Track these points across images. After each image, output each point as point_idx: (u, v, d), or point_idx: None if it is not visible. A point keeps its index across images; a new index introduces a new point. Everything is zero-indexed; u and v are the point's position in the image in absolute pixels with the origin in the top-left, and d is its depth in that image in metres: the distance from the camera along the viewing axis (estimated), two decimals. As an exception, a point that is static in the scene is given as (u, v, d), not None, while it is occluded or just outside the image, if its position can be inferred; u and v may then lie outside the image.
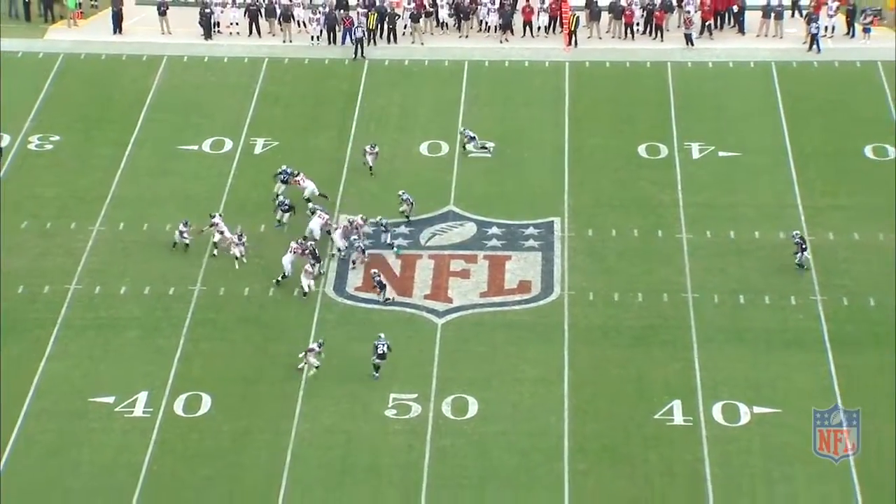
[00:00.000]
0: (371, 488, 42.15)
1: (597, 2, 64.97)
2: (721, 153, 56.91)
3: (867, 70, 62.16)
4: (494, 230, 52.78)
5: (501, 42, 64.80)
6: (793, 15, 65.60)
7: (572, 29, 64.14)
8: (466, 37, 65.27)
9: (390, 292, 48.97)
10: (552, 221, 53.15)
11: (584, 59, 63.55)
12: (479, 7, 65.36)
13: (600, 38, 65.02)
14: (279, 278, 49.28)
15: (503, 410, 44.79)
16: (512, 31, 65.08)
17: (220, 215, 51.27)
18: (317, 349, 45.49)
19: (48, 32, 65.76)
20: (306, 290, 48.64)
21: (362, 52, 63.49)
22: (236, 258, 49.99)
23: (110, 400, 45.14)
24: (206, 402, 45.22)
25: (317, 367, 45.45)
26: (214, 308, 48.92)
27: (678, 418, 44.37)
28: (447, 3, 65.47)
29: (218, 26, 65.38)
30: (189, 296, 49.41)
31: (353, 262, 50.44)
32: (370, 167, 55.05)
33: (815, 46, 63.37)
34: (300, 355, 45.62)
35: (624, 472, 42.57)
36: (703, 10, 64.64)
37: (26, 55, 63.82)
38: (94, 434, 43.96)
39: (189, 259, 50.75)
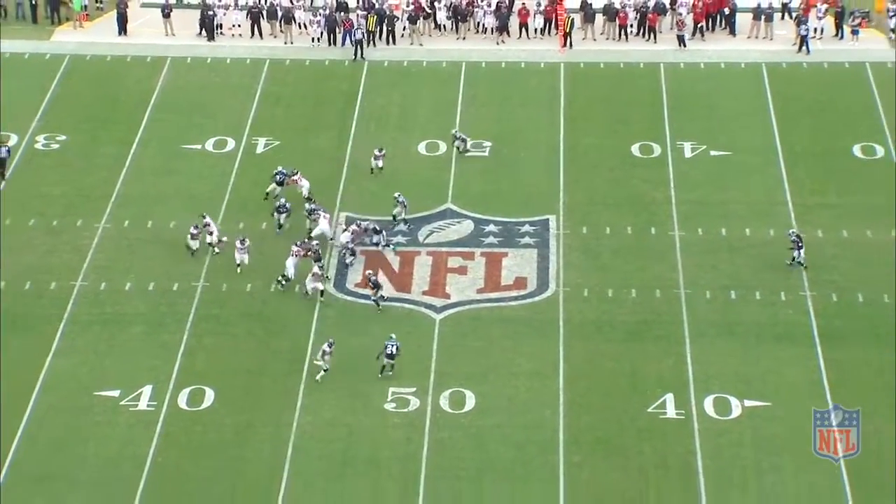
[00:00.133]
0: (371, 480, 42.18)
1: (591, 4, 64.98)
2: (713, 152, 56.93)
3: (855, 71, 62.18)
4: (491, 228, 52.79)
5: (498, 44, 64.79)
6: (783, 17, 65.63)
7: (567, 31, 64.13)
8: (464, 38, 65.27)
9: (384, 293, 48.81)
10: (548, 219, 53.18)
11: (578, 60, 63.55)
12: (475, 9, 65.38)
13: (595, 39, 65.01)
14: (283, 282, 49.10)
15: (499, 404, 44.81)
16: (508, 33, 65.08)
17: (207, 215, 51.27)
18: (328, 349, 45.32)
19: (54, 34, 65.73)
20: (308, 292, 48.39)
21: (362, 54, 63.48)
22: (238, 264, 49.71)
23: (115, 394, 45.16)
24: (210, 395, 45.24)
25: (325, 370, 45.27)
26: (217, 304, 48.93)
27: (671, 411, 44.40)
28: (445, 6, 65.49)
29: (221, 28, 65.38)
30: (192, 292, 49.41)
31: (347, 265, 50.26)
32: (380, 168, 54.86)
33: (804, 48, 63.39)
34: (316, 361, 45.44)
35: (618, 464, 42.61)
36: (696, 12, 64.68)
37: (33, 56, 63.81)
38: (100, 427, 43.98)
39: (192, 256, 50.72)
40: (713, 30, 65.33)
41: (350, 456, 43.00)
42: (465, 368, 45.88)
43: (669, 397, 44.87)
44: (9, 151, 55.40)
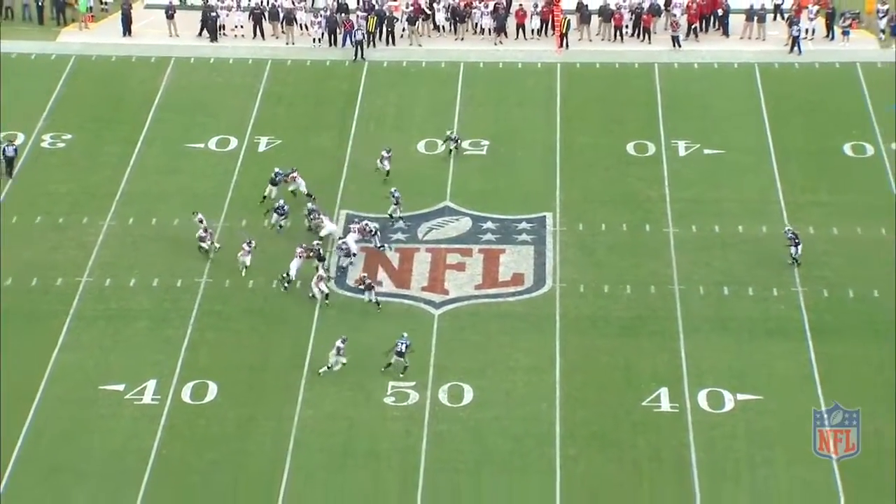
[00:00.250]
0: (371, 472, 42.19)
1: (587, 5, 64.99)
2: (706, 151, 56.93)
3: (846, 71, 62.19)
4: (489, 225, 52.79)
5: (496, 44, 64.80)
6: (775, 18, 65.65)
7: (563, 32, 64.14)
8: (462, 39, 65.28)
9: (376, 295, 48.46)
10: (544, 216, 53.18)
11: (574, 60, 63.55)
12: (473, 11, 65.38)
13: (590, 40, 65.02)
14: (286, 284, 49.02)
15: (497, 397, 44.82)
16: (506, 34, 65.09)
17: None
18: (341, 346, 45.14)
19: (60, 35, 65.73)
20: (316, 294, 48.17)
21: (362, 54, 63.48)
22: (245, 266, 49.44)
23: (120, 388, 45.16)
24: (213, 389, 45.24)
25: (343, 364, 45.11)
26: (220, 300, 48.92)
27: (665, 405, 44.41)
28: (443, 7, 65.50)
29: (223, 29, 65.38)
30: (196, 288, 49.41)
31: (344, 267, 50.05)
32: (387, 171, 54.62)
33: (796, 48, 63.40)
34: (331, 363, 45.35)
35: (613, 457, 42.62)
36: (690, 13, 64.68)
37: (39, 57, 63.80)
38: (105, 420, 43.98)
39: (196, 253, 50.72)
40: (707, 31, 65.34)
41: (350, 449, 43.01)
42: (463, 363, 45.88)
43: (664, 391, 44.88)
44: (16, 150, 55.40)
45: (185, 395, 45.01)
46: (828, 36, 64.70)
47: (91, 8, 66.20)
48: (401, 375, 45.07)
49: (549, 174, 55.60)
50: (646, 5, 64.94)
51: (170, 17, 65.17)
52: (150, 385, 45.24)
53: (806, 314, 47.95)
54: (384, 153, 54.76)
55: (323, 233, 51.17)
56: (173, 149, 57.29)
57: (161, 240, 51.53)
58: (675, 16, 64.47)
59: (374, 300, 48.19)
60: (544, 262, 50.71)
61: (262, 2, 65.68)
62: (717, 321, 47.83)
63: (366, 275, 48.91)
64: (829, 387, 44.81)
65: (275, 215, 51.60)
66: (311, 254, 49.39)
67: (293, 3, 65.87)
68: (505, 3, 65.74)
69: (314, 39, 64.78)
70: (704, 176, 55.43)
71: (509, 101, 60.69)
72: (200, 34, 65.01)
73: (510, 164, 56.29)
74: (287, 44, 64.75)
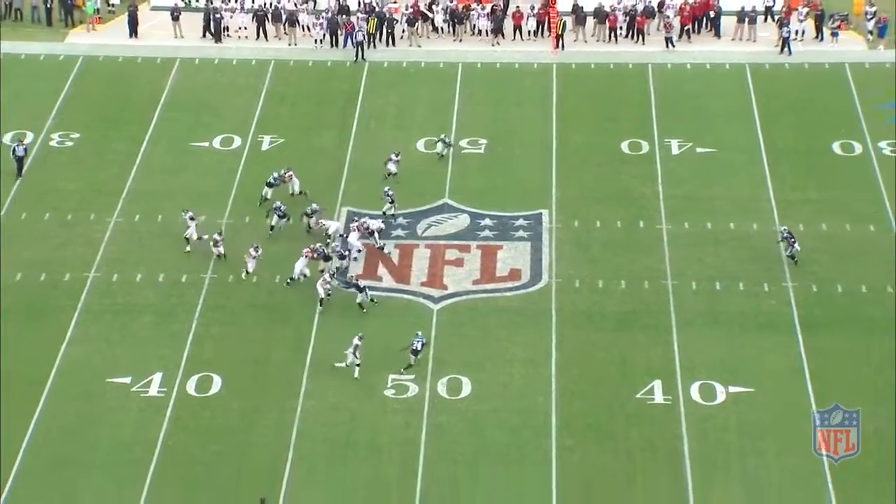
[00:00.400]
0: (371, 463, 42.19)
1: (582, 7, 64.95)
2: (699, 149, 56.91)
3: (835, 71, 62.18)
4: (487, 221, 52.78)
5: (493, 45, 64.77)
6: (765, 20, 65.66)
7: (559, 33, 64.12)
8: (460, 40, 65.25)
9: (368, 296, 48.11)
10: (541, 213, 53.17)
11: (570, 61, 63.52)
12: (471, 12, 65.36)
13: (586, 41, 64.99)
14: (289, 279, 48.91)
15: (495, 390, 44.82)
16: (503, 35, 65.07)
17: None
18: (358, 343, 44.95)
19: (68, 36, 65.70)
20: (321, 294, 47.86)
21: (363, 55, 63.45)
22: (248, 272, 49.12)
23: (127, 380, 45.15)
24: (217, 382, 45.24)
25: (357, 365, 44.94)
26: (224, 294, 48.91)
27: (658, 397, 44.42)
28: (442, 9, 65.48)
29: (227, 30, 65.36)
30: (201, 283, 49.41)
31: (342, 269, 49.80)
32: (394, 174, 54.27)
33: (786, 49, 63.39)
34: (346, 360, 45.24)
35: (608, 448, 42.63)
36: (683, 15, 64.67)
37: (48, 57, 63.78)
38: (113, 412, 43.98)
39: (201, 249, 50.71)
40: (699, 32, 65.32)
41: (352, 440, 43.01)
42: (461, 356, 45.87)
43: (657, 384, 44.88)
44: (25, 150, 55.30)
45: (191, 387, 45.02)
46: (817, 37, 64.70)
47: (98, 10, 66.18)
48: (402, 371, 45.04)
49: (546, 172, 55.59)
50: (640, 7, 64.95)
51: (175, 18, 65.15)
52: (156, 378, 45.24)
53: (796, 309, 47.96)
54: (393, 156, 54.53)
55: (331, 231, 51.05)
56: (178, 147, 57.27)
57: (167, 236, 51.50)
58: (668, 17, 64.46)
59: (366, 301, 47.96)
60: (541, 258, 50.69)
61: (265, 4, 65.65)
62: (710, 316, 47.83)
63: (353, 275, 48.33)
64: (819, 379, 44.85)
65: (275, 217, 51.41)
66: (317, 255, 49.22)
67: (295, 5, 65.86)
68: (502, 5, 65.74)
69: (316, 41, 64.75)
70: (697, 174, 55.42)
71: (507, 100, 60.66)
72: (204, 35, 64.96)
73: (507, 163, 56.28)
74: (289, 45, 64.72)
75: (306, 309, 47.93)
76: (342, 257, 49.66)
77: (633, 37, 64.93)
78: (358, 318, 47.47)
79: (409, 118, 59.44)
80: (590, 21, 65.04)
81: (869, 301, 48.27)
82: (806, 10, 64.48)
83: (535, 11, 65.26)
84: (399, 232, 51.99)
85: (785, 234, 49.83)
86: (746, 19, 64.65)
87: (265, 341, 46.93)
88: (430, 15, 65.26)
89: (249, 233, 51.17)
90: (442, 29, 65.73)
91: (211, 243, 50.02)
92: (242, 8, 65.71)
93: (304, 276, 48.73)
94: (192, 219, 50.62)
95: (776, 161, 55.89)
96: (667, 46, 63.94)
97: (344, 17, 64.74)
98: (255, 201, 53.09)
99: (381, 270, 50.10)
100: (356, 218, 51.73)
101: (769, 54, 63.57)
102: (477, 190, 54.54)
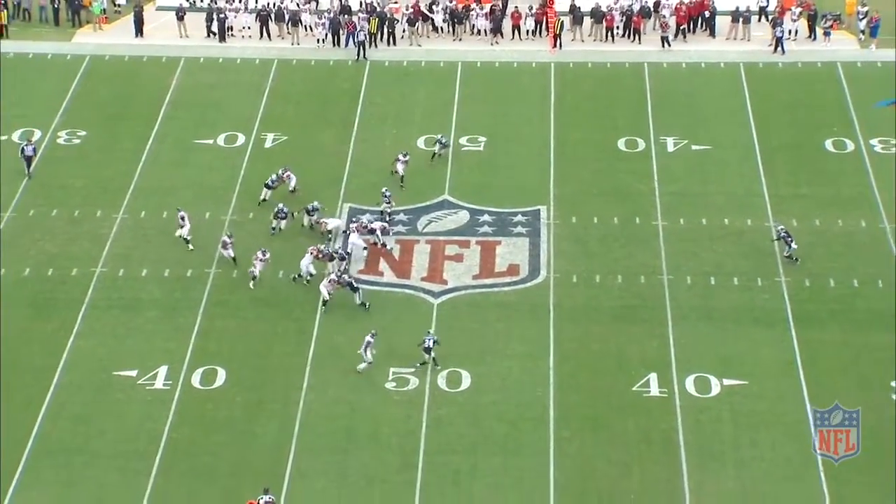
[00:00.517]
0: (373, 454, 42.23)
1: (580, 7, 64.95)
2: (694, 147, 56.91)
3: (827, 70, 62.16)
4: (486, 217, 52.79)
5: (492, 44, 64.76)
6: (759, 19, 65.64)
7: (557, 32, 64.10)
8: (460, 40, 65.25)
9: (363, 296, 47.78)
10: (539, 209, 53.18)
11: (568, 60, 63.51)
12: (471, 12, 65.36)
13: (583, 40, 64.97)
14: (296, 276, 48.78)
15: (494, 383, 44.85)
16: (502, 35, 65.06)
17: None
18: (371, 340, 44.87)
19: (75, 36, 65.70)
20: (324, 294, 47.63)
21: (364, 54, 63.45)
22: (254, 277, 48.59)
23: (133, 373, 45.21)
24: (221, 375, 45.29)
25: (369, 363, 44.88)
26: (228, 289, 48.93)
27: (654, 390, 44.46)
28: (442, 9, 65.49)
29: (231, 30, 65.37)
30: (205, 278, 49.42)
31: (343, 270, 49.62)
32: (401, 176, 53.99)
33: (779, 48, 63.38)
34: (364, 360, 45.06)
35: (604, 439, 42.68)
36: (679, 14, 64.66)
37: (55, 57, 63.78)
38: (119, 404, 44.04)
39: (205, 245, 50.75)
40: (694, 31, 65.31)
41: (353, 432, 43.06)
42: (461, 350, 45.89)
43: (653, 376, 44.92)
44: (34, 150, 55.26)
45: (195, 380, 45.06)
46: (810, 36, 64.67)
47: (105, 10, 66.19)
48: (419, 366, 44.94)
49: (544, 169, 55.59)
50: (636, 7, 64.94)
51: (180, 18, 65.16)
52: (162, 371, 45.28)
53: (789, 303, 47.99)
54: (400, 156, 54.41)
55: (330, 227, 51.02)
56: (183, 145, 57.28)
57: (172, 232, 51.43)
58: (664, 17, 64.46)
59: (360, 301, 47.76)
60: (539, 254, 50.71)
61: (268, 4, 65.65)
62: (704, 310, 47.85)
63: (347, 275, 48.11)
64: (811, 372, 44.90)
65: (276, 219, 51.21)
66: (323, 256, 49.13)
67: (298, 5, 65.87)
68: (501, 5, 65.72)
69: (318, 40, 64.75)
70: (692, 171, 55.43)
71: (505, 99, 60.65)
72: (209, 35, 64.96)
73: (506, 160, 56.28)
74: (292, 44, 64.72)
75: (309, 303, 47.94)
76: (343, 258, 49.52)
77: (629, 36, 64.92)
78: (359, 312, 47.48)
79: (410, 116, 59.42)
80: (587, 21, 65.04)
81: (860, 295, 48.29)
82: (799, 9, 64.47)
83: (534, 11, 65.26)
84: (400, 228, 51.99)
85: (782, 234, 49.76)
86: (741, 19, 64.65)
87: (268, 335, 46.96)
88: (431, 15, 65.23)
89: (253, 229, 51.13)
90: (442, 28, 65.74)
91: (220, 245, 49.79)
92: (246, 8, 65.74)
93: (311, 274, 48.58)
94: (183, 219, 50.50)
95: (770, 158, 55.90)
96: (663, 46, 63.93)
97: (346, 16, 64.75)
98: (257, 196, 52.99)
99: (383, 265, 50.13)
100: (356, 218, 51.65)
101: (763, 53, 63.56)
102: (476, 186, 54.55)
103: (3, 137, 57.22)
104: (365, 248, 50.16)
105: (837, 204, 52.99)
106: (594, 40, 65.01)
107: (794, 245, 49.37)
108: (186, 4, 65.83)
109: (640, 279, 49.28)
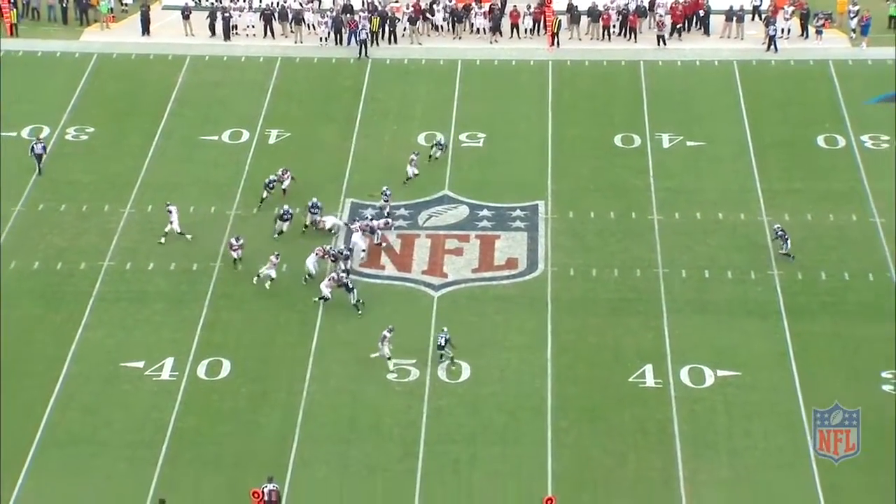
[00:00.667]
0: (374, 444, 42.24)
1: (577, 6, 64.96)
2: (689, 143, 56.92)
3: (820, 68, 62.16)
4: (485, 212, 52.81)
5: (491, 43, 64.76)
6: (753, 18, 65.65)
7: (555, 31, 64.10)
8: (460, 38, 65.25)
9: (358, 296, 47.52)
10: (537, 204, 53.19)
11: (565, 58, 63.51)
12: (470, 11, 65.37)
13: (580, 39, 64.98)
14: (306, 277, 48.66)
15: (493, 374, 44.87)
16: (500, 33, 65.06)
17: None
18: (388, 335, 44.88)
19: (83, 34, 65.70)
20: (327, 296, 47.29)
21: (366, 52, 63.44)
22: (271, 279, 48.17)
23: (140, 365, 45.23)
24: (226, 366, 45.31)
25: (388, 358, 44.76)
26: (233, 282, 48.94)
27: (650, 381, 44.48)
28: (442, 8, 65.49)
29: (236, 29, 65.37)
30: (210, 271, 49.45)
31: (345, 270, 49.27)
32: (409, 177, 53.59)
33: (772, 47, 63.38)
34: (383, 354, 45.08)
35: (601, 429, 42.70)
36: (674, 14, 64.65)
37: (64, 55, 63.79)
38: (126, 395, 44.06)
39: (210, 238, 50.78)
40: (689, 30, 65.30)
41: (355, 422, 43.07)
42: (461, 342, 45.85)
43: (648, 368, 44.94)
44: (44, 148, 55.21)
45: (201, 371, 45.09)
46: (802, 35, 64.68)
47: (112, 9, 66.17)
48: (449, 365, 44.75)
49: (542, 165, 55.60)
50: (632, 6, 64.93)
51: (186, 17, 65.16)
52: (168, 362, 45.31)
53: (781, 296, 48.01)
54: (413, 156, 54.09)
55: (329, 226, 50.98)
56: (189, 141, 57.27)
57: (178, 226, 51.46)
58: (660, 16, 64.44)
59: (355, 301, 47.59)
60: (537, 248, 50.73)
61: (272, 3, 65.65)
62: (699, 303, 47.88)
63: (343, 274, 47.89)
64: (803, 363, 44.92)
65: (278, 221, 51.12)
66: (328, 256, 49.07)
67: (301, 4, 65.87)
68: (500, 4, 65.73)
69: (321, 38, 64.75)
70: (687, 166, 55.44)
71: (504, 96, 60.64)
72: (213, 34, 64.92)
73: (505, 156, 56.28)
74: (296, 42, 64.73)
75: (311, 296, 47.93)
76: (347, 257, 49.40)
77: (625, 35, 64.92)
78: (363, 306, 47.46)
79: (411, 113, 59.41)
80: (584, 19, 65.04)
81: (851, 288, 48.32)
82: (792, 8, 64.47)
83: (532, 10, 65.26)
84: (401, 222, 52.00)
85: (779, 233, 49.73)
86: (735, 18, 64.65)
87: (272, 327, 46.97)
88: (431, 18, 65.20)
89: (257, 223, 51.11)
90: (442, 27, 65.74)
91: (228, 247, 49.55)
92: (250, 7, 65.73)
93: (311, 275, 48.49)
94: (171, 212, 50.47)
95: (763, 154, 55.91)
96: (658, 44, 63.93)
97: (348, 15, 64.75)
98: (261, 191, 52.95)
99: (384, 259, 50.15)
100: (357, 218, 51.53)
101: (756, 51, 63.55)
102: (476, 182, 54.56)
103: (13, 134, 57.25)
104: (363, 251, 49.84)
105: (829, 199, 53.01)
106: (591, 39, 65.01)
107: (789, 243, 49.35)
108: (192, 3, 65.79)
109: (636, 272, 49.30)
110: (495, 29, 64.88)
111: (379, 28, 64.31)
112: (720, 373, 44.68)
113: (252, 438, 42.54)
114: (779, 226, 50.06)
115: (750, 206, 52.62)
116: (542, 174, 55.02)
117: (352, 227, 50.65)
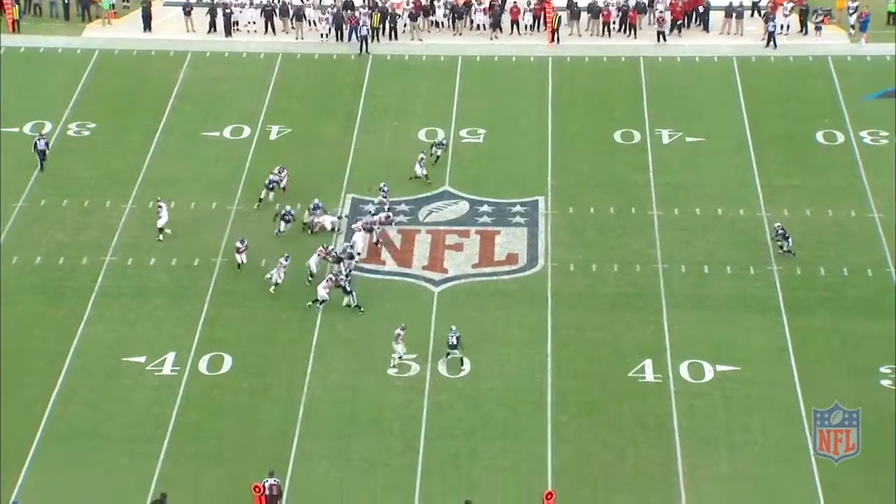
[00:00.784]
0: (375, 438, 42.27)
1: (577, 2, 64.93)
2: (688, 139, 56.90)
3: (819, 64, 62.14)
4: (485, 208, 52.80)
5: (491, 39, 64.73)
6: (752, 14, 65.62)
7: (555, 27, 64.07)
8: (460, 34, 65.21)
9: (356, 299, 47.30)
10: (537, 200, 53.18)
11: (565, 54, 63.47)
12: (470, 8, 65.34)
13: (580, 35, 64.95)
14: (308, 278, 48.60)
15: (493, 369, 44.88)
16: (501, 30, 65.04)
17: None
18: (401, 333, 44.79)
19: (85, 31, 65.66)
20: (324, 298, 47.09)
21: (367, 48, 63.40)
22: (276, 283, 47.91)
23: (142, 359, 45.25)
24: (228, 361, 45.32)
25: (400, 357, 44.79)
26: (234, 278, 48.94)
27: (649, 376, 44.49)
28: (443, 5, 65.46)
29: (237, 25, 65.35)
30: (212, 267, 49.44)
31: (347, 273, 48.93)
32: (415, 175, 53.54)
33: (772, 43, 63.36)
34: (398, 353, 44.94)
35: (600, 423, 42.71)
36: (674, 10, 64.63)
37: (66, 51, 63.76)
38: (128, 390, 44.09)
39: (212, 234, 50.77)
40: (688, 26, 65.27)
41: (356, 417, 43.09)
42: (461, 337, 45.84)
43: (648, 363, 44.95)
44: (47, 144, 55.17)
45: (202, 366, 45.10)
46: (801, 31, 64.65)
47: (113, 5, 66.14)
48: (458, 364, 44.80)
49: (542, 161, 55.58)
50: (632, 3, 64.87)
51: (187, 13, 65.12)
52: (170, 357, 45.32)
53: (780, 291, 48.01)
54: (422, 155, 54.01)
55: (326, 226, 50.88)
56: (190, 137, 57.26)
57: (179, 222, 51.46)
58: (659, 12, 64.42)
59: (353, 303, 47.50)
60: (537, 243, 50.72)
61: (273, -1, 65.76)
62: (698, 298, 47.87)
63: (342, 276, 47.85)
64: (802, 358, 44.93)
65: (282, 223, 51.08)
66: (330, 257, 48.99)
67: (302, 0, 65.80)
68: (500, 1, 65.68)
69: (322, 35, 64.72)
70: (686, 162, 55.42)
71: (504, 92, 60.62)
72: (214, 30, 64.86)
73: (505, 152, 56.26)
74: (296, 39, 64.69)
75: (312, 292, 47.90)
76: (351, 257, 49.29)
77: (625, 31, 64.89)
78: (362, 301, 47.45)
79: (411, 109, 59.38)
80: (584, 16, 65.01)
81: (850, 283, 48.31)
82: (791, 5, 64.44)
83: (532, 7, 65.23)
84: (401, 218, 51.99)
85: (779, 231, 49.68)
86: (734, 14, 64.62)
87: (273, 322, 46.97)
88: (432, 17, 65.16)
89: (258, 219, 51.09)
90: (442, 24, 65.70)
91: (235, 250, 49.38)
92: (251, 3, 65.69)
93: (312, 275, 48.43)
94: (161, 208, 50.44)
95: (762, 150, 55.89)
96: (658, 40, 63.90)
97: (349, 12, 64.72)
98: (262, 186, 52.95)
99: (385, 255, 50.13)
100: (358, 217, 51.49)
101: (755, 48, 63.52)
102: (476, 178, 54.55)
103: (15, 129, 57.23)
104: (359, 253, 49.54)
105: (828, 194, 53.00)
106: (591, 35, 64.98)
107: (790, 241, 49.30)
108: (193, 0, 65.75)
109: (636, 268, 49.29)
110: (495, 25, 64.86)
111: (380, 24, 64.29)
112: (719, 368, 44.69)
113: (253, 433, 42.55)
114: (779, 224, 50.02)
115: (749, 201, 52.61)
116: (542, 170, 55.00)
117: (353, 226, 50.60)
